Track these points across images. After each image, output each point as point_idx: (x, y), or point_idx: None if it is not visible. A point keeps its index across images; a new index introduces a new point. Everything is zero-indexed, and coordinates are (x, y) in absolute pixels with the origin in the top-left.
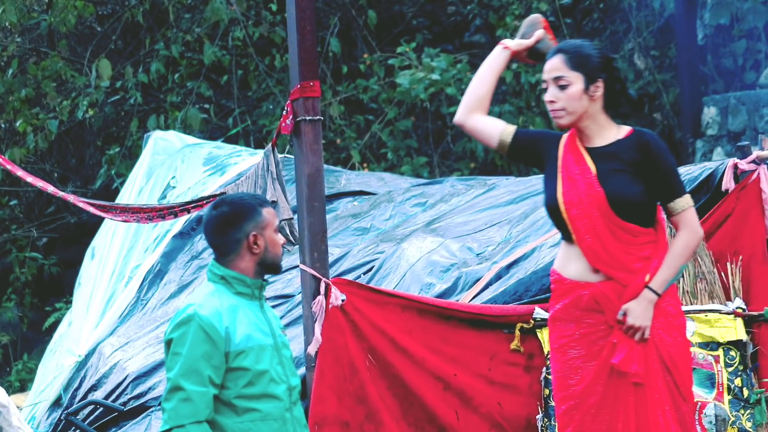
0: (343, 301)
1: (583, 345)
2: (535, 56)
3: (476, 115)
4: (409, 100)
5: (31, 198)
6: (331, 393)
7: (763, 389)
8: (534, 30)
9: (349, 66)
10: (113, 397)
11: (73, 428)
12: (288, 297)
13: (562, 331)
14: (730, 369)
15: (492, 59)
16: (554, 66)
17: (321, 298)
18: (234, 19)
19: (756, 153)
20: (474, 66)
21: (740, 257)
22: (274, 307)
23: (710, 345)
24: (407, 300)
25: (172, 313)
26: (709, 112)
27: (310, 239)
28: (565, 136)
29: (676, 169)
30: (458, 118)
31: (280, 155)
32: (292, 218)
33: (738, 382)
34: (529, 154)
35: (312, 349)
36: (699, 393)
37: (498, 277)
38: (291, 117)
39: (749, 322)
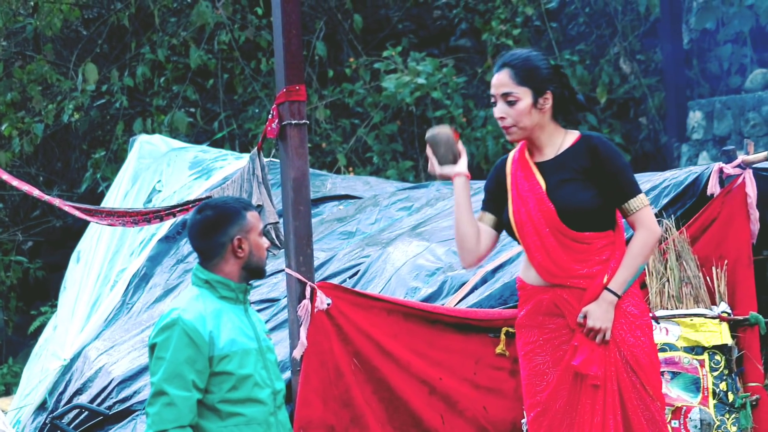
0: (328, 305)
1: (547, 351)
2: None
3: (477, 254)
4: (395, 104)
5: (17, 201)
6: (317, 397)
7: (748, 393)
8: (455, 144)
9: (334, 70)
10: (98, 401)
11: None
12: (273, 301)
13: (527, 338)
14: (716, 373)
15: (456, 196)
16: (501, 82)
17: (306, 302)
18: (220, 22)
19: (741, 157)
20: (459, 70)
21: (725, 261)
22: (259, 311)
23: (695, 349)
24: (393, 304)
25: (158, 317)
26: (695, 117)
27: (296, 243)
28: (513, 153)
29: (628, 170)
30: (467, 266)
31: (265, 159)
32: (278, 222)
33: (723, 386)
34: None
35: (297, 353)
36: (684, 397)
37: (483, 281)
38: (277, 121)
39: (734, 327)
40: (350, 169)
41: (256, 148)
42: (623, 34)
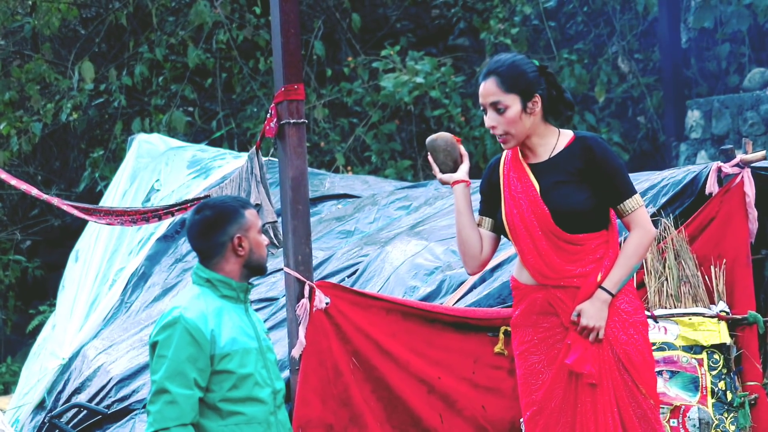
0: (327, 304)
1: (542, 350)
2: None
3: (480, 259)
4: (393, 103)
5: (15, 201)
6: (315, 396)
7: (747, 393)
8: (455, 150)
9: (333, 69)
10: (97, 400)
11: (57, 431)
12: (272, 300)
13: (523, 337)
14: (714, 372)
15: (456, 203)
16: (489, 91)
17: (305, 301)
18: (218, 22)
19: (740, 156)
20: (458, 69)
21: (724, 260)
22: (257, 310)
23: (694, 348)
24: (391, 303)
25: (156, 316)
26: (693, 116)
27: (294, 242)
28: (505, 153)
29: (623, 171)
30: (472, 272)
31: (264, 158)
32: (276, 221)
33: (722, 385)
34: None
35: (296, 352)
36: (683, 396)
37: (482, 280)
38: (275, 120)
39: (733, 326)
40: (349, 168)
41: (254, 147)
42: (621, 33)
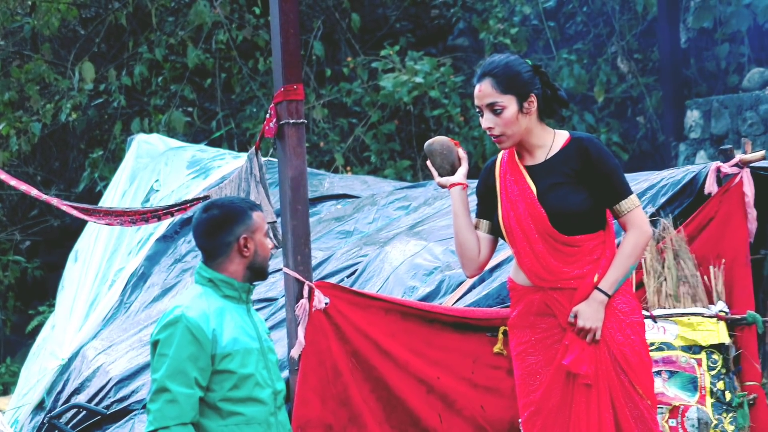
0: (326, 304)
1: (539, 350)
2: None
3: (478, 262)
4: (393, 104)
5: (15, 201)
6: (315, 396)
7: (746, 393)
8: (452, 153)
9: (332, 69)
10: (96, 400)
11: (56, 431)
12: (271, 300)
13: (520, 338)
14: (713, 372)
15: (454, 206)
16: (485, 92)
17: (304, 301)
18: (217, 22)
19: (739, 156)
20: (457, 69)
21: (723, 260)
22: (257, 310)
23: (693, 348)
24: (390, 303)
25: (156, 316)
26: (692, 116)
27: (294, 242)
28: (501, 155)
29: (619, 171)
30: (470, 275)
31: (263, 158)
32: (276, 221)
33: (720, 385)
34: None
35: (295, 352)
36: (682, 396)
37: (481, 280)
38: (274, 120)
39: (732, 326)
40: (348, 168)
41: (254, 147)
42: (621, 33)
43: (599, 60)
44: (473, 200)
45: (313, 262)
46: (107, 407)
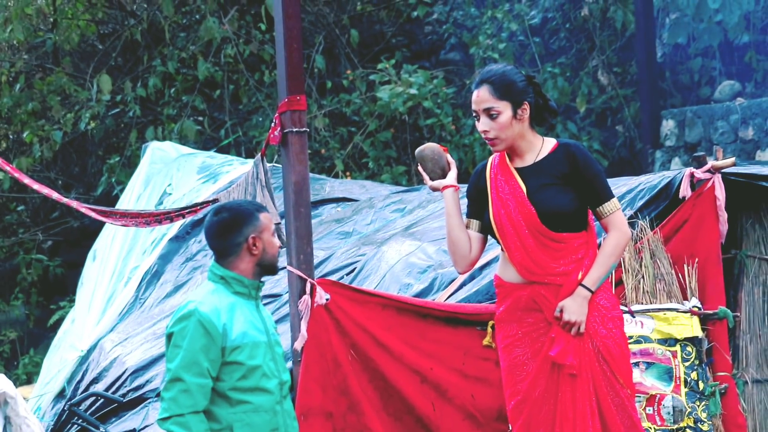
0: (327, 300)
1: (526, 343)
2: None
3: (469, 259)
4: (389, 113)
5: (37, 204)
6: (316, 385)
7: (717, 382)
8: (442, 159)
9: (333, 81)
10: (113, 389)
11: (76, 418)
12: (276, 296)
13: (507, 332)
14: (687, 363)
15: (446, 207)
16: (482, 98)
17: (307, 297)
18: (226, 37)
19: (711, 163)
20: (449, 81)
21: (696, 259)
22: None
23: (668, 341)
24: (387, 299)
25: (169, 311)
26: (668, 125)
27: (297, 242)
28: (492, 159)
29: (602, 176)
30: (462, 271)
31: (268, 164)
32: (280, 223)
33: (694, 375)
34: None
35: (298, 345)
36: (658, 386)
37: (471, 277)
38: (279, 129)
39: (704, 320)
40: (347, 173)
41: (259, 154)
42: (601, 48)
43: (581, 73)
44: (464, 203)
45: (315, 261)
46: (123, 395)
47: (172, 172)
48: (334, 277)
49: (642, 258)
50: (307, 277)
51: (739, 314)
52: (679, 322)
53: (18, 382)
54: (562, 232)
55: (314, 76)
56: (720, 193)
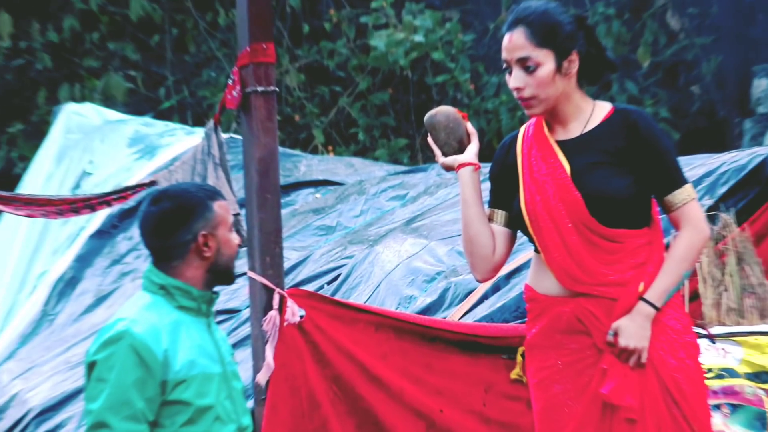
0: (301, 317)
1: (567, 378)
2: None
3: (492, 262)
4: (386, 68)
5: None
6: None
7: None
8: (460, 127)
9: (311, 25)
10: None
11: None
12: (233, 312)
13: (542, 362)
14: None
15: (462, 192)
16: (516, 44)
17: (274, 313)
18: None
19: None
20: (467, 25)
21: None
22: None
23: (761, 376)
24: (382, 317)
25: (87, 332)
26: (761, 85)
27: (262, 240)
28: (524, 128)
29: (673, 154)
30: (482, 278)
31: (224, 135)
32: (240, 214)
33: None
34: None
35: (262, 378)
36: None
37: (495, 288)
38: (238, 88)
39: None
40: (329, 148)
41: (212, 120)
42: None
43: (644, 15)
44: (486, 187)
45: (286, 265)
46: None
47: (94, 145)
48: (311, 287)
49: (725, 264)
50: (274, 287)
51: None
52: None
53: None
54: (618, 227)
55: (286, 17)
56: None
